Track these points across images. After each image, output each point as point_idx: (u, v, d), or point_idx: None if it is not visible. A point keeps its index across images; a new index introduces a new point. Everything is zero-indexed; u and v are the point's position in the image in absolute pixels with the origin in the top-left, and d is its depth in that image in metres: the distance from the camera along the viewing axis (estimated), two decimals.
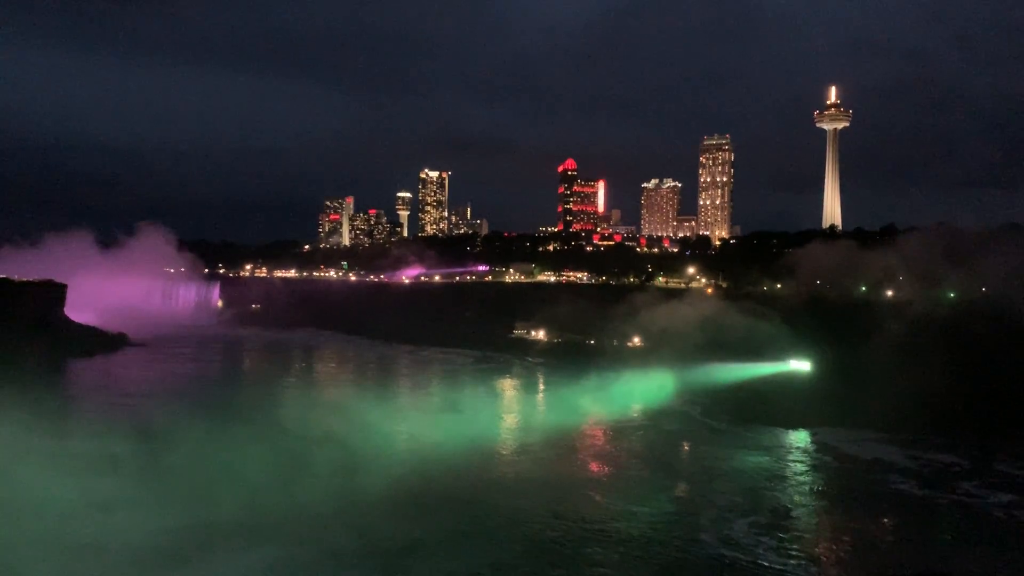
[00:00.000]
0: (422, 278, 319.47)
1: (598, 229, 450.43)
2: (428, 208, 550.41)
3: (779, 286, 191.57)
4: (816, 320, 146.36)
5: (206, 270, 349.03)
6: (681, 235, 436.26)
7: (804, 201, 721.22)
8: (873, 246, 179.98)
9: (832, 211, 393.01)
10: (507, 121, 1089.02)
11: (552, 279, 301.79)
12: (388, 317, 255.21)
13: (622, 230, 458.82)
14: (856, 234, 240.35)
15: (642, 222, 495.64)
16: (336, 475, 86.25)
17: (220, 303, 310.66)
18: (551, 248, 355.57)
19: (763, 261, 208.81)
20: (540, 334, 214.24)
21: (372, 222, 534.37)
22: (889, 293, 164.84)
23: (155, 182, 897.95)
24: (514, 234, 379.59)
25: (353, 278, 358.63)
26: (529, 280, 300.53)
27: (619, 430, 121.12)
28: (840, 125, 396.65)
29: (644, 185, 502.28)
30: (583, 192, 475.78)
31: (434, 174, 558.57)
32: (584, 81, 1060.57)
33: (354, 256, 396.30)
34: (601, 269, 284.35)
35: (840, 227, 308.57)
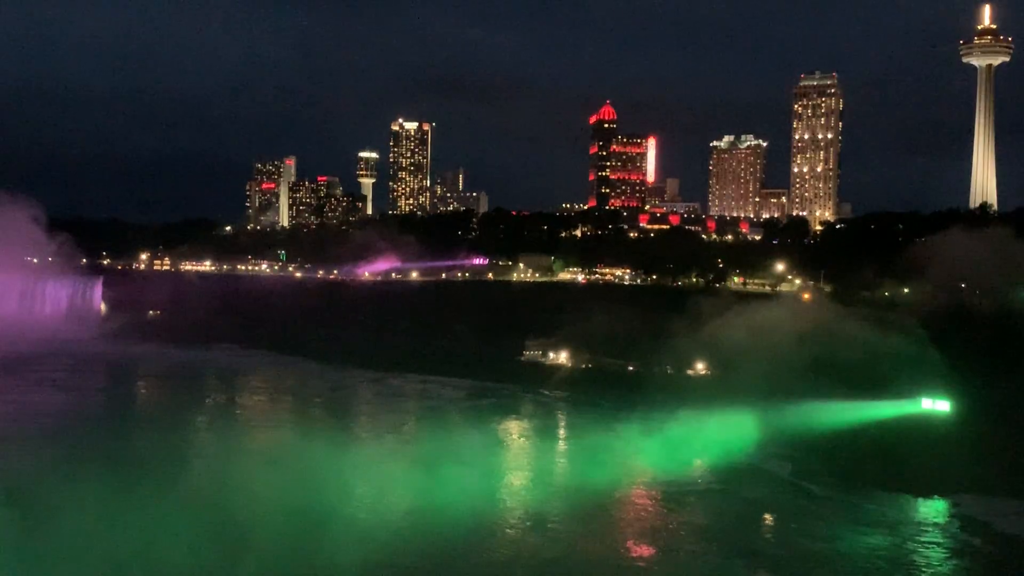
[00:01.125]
0: (394, 275, 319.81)
1: (647, 207, 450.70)
2: (403, 175, 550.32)
3: (906, 290, 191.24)
4: (960, 339, 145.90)
5: (84, 260, 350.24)
6: (766, 216, 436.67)
7: (943, 170, 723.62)
8: None
9: (984, 184, 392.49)
10: (516, 52, 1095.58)
11: (580, 277, 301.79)
12: (345, 331, 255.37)
13: (681, 208, 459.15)
14: (1019, 217, 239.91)
15: (710, 197, 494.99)
16: (270, 559, 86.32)
17: (104, 308, 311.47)
18: (579, 233, 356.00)
19: (884, 254, 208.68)
20: (562, 357, 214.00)
21: (322, 194, 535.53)
22: None
23: (14, 136, 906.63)
24: (526, 213, 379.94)
25: (295, 273, 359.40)
26: (547, 279, 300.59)
27: (674, 496, 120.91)
28: (997, 60, 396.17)
29: (714, 144, 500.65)
30: (626, 153, 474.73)
31: (411, 126, 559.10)
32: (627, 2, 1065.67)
33: (296, 242, 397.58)
34: (650, 264, 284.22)
35: (996, 207, 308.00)
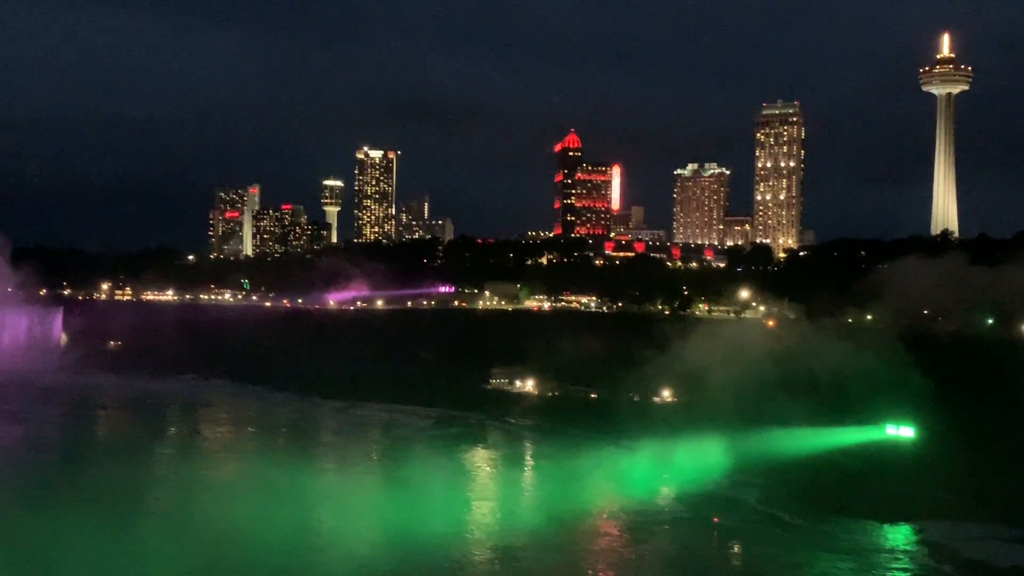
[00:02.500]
0: (358, 303, 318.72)
1: (612, 235, 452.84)
2: (368, 203, 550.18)
3: (869, 316, 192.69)
4: (923, 365, 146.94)
5: (44, 290, 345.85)
6: (730, 243, 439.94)
7: (905, 197, 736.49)
8: (1004, 260, 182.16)
9: (945, 211, 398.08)
10: (481, 78, 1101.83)
11: (546, 305, 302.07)
12: (309, 360, 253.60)
13: (646, 236, 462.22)
14: (979, 243, 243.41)
15: (675, 225, 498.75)
16: None
17: (64, 338, 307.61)
18: (545, 261, 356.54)
19: (847, 281, 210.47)
20: (528, 384, 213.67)
21: (287, 222, 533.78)
22: None
23: None
24: (492, 241, 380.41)
25: (259, 302, 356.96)
26: (513, 307, 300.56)
27: (642, 525, 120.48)
28: (956, 89, 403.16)
29: (678, 172, 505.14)
30: (591, 181, 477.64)
31: (376, 154, 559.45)
32: (591, 22, 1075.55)
33: (260, 271, 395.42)
34: (616, 291, 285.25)
35: (956, 233, 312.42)
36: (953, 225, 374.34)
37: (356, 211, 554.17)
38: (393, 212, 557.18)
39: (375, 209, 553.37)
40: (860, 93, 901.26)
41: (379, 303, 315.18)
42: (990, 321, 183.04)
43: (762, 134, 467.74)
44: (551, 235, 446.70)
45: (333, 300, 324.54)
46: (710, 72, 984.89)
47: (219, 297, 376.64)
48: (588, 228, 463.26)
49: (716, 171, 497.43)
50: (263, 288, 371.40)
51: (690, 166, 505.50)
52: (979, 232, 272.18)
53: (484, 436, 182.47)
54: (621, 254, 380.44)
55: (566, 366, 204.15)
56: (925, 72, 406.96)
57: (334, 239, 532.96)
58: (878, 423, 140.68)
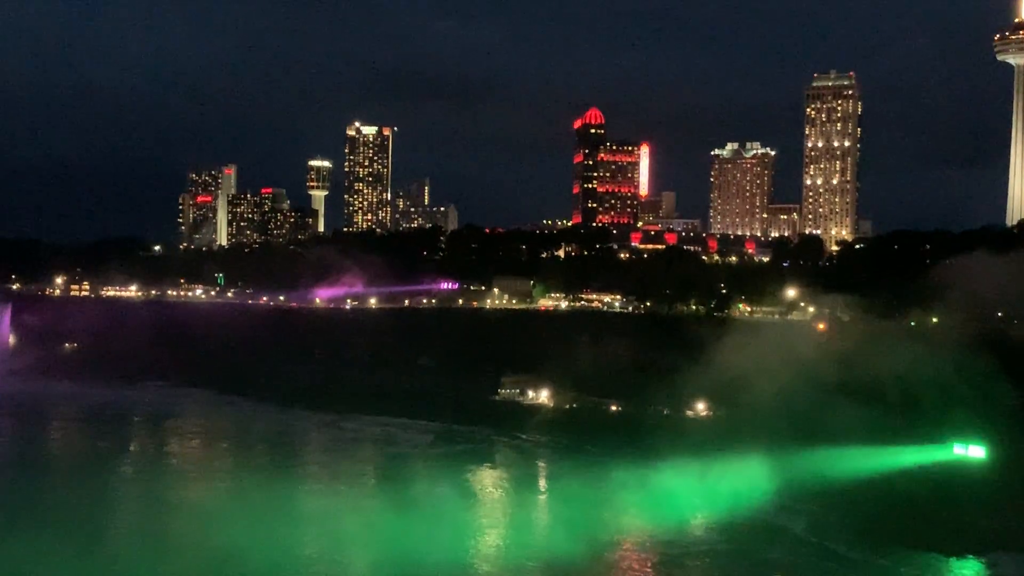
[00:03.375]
0: (349, 301, 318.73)
1: (640, 224, 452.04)
2: (360, 186, 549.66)
3: (935, 319, 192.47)
4: (996, 376, 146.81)
5: None
6: (775, 235, 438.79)
7: (977, 182, 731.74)
8: None
9: (1022, 198, 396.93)
10: (493, 48, 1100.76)
11: (563, 304, 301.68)
12: (293, 366, 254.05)
13: (678, 225, 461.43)
14: None
15: (711, 213, 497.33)
16: None
17: (12, 339, 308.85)
18: (562, 254, 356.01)
19: (909, 278, 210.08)
20: (542, 395, 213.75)
21: (267, 208, 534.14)
22: None
23: None
24: (501, 231, 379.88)
25: (235, 299, 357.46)
26: (526, 306, 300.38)
27: (674, 559, 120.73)
28: None
29: (715, 153, 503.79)
30: (615, 162, 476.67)
31: (370, 131, 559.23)
32: None
33: (237, 264, 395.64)
34: (644, 289, 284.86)
35: None
36: None
37: (346, 196, 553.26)
38: (389, 197, 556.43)
39: (368, 194, 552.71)
40: (925, 63, 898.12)
41: (373, 301, 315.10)
42: None
43: (812, 109, 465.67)
44: (569, 224, 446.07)
45: (320, 297, 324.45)
46: (753, 41, 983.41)
47: (190, 293, 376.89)
48: (612, 216, 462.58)
49: (759, 152, 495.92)
50: (240, 283, 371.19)
51: (729, 146, 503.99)
52: None
53: (492, 454, 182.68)
54: (650, 246, 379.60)
55: (586, 375, 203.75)
56: (1000, 39, 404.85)
57: (321, 228, 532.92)
58: (944, 441, 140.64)
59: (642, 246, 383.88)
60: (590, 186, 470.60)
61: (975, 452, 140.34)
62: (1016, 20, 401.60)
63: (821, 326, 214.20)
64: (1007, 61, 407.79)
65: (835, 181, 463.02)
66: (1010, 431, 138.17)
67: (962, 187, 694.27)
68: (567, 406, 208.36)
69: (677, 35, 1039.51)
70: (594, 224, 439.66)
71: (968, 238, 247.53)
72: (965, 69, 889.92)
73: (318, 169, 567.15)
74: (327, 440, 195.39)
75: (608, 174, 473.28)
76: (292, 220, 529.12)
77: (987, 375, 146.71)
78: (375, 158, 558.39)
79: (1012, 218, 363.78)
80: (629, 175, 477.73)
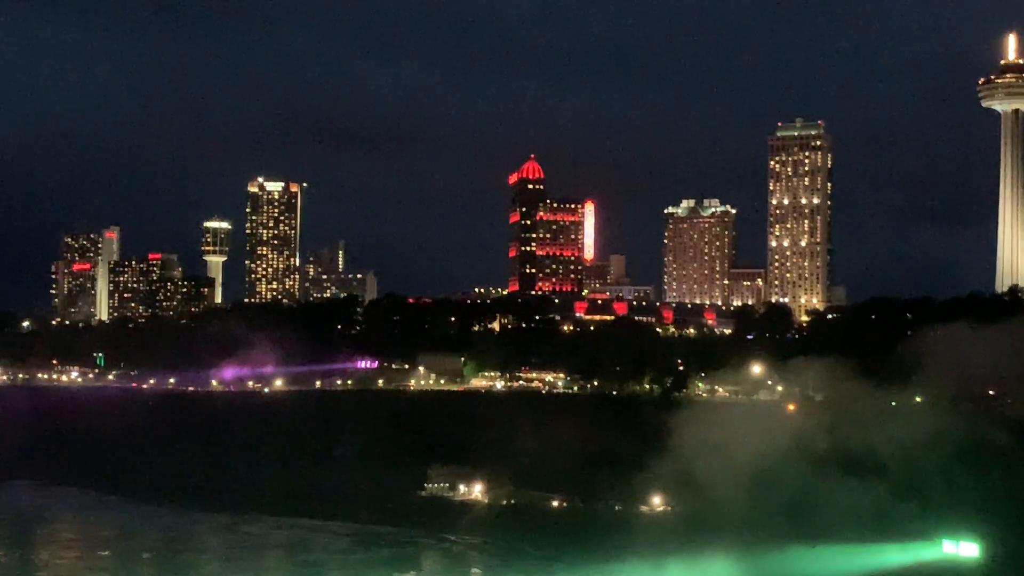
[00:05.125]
0: (252, 383, 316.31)
1: (585, 292, 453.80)
2: (264, 251, 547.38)
3: (919, 399, 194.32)
4: (990, 463, 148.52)
5: None
6: (738, 303, 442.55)
7: (962, 243, 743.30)
8: None
9: (1013, 260, 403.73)
10: (420, 92, 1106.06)
11: (499, 384, 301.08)
12: (186, 459, 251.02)
13: (629, 293, 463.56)
14: None
15: (666, 279, 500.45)
16: None
17: None
18: (497, 326, 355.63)
19: (889, 352, 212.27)
20: (476, 490, 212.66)
21: (155, 276, 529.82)
22: None
23: None
24: (427, 300, 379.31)
25: (118, 382, 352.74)
26: (457, 386, 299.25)
27: None
28: None
29: (669, 211, 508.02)
30: (556, 222, 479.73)
31: (275, 187, 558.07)
32: (558, 25, 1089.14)
33: (120, 341, 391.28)
34: (591, 366, 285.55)
35: None
36: None
37: (248, 262, 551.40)
38: (297, 263, 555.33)
39: (273, 259, 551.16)
40: (902, 111, 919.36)
41: (280, 383, 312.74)
42: None
43: (777, 162, 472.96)
44: (505, 293, 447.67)
45: (218, 379, 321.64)
46: (712, 86, 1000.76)
47: (64, 376, 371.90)
48: (553, 283, 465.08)
49: (719, 210, 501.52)
50: (124, 364, 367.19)
51: (685, 203, 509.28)
52: None
53: (419, 559, 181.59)
54: (597, 317, 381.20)
55: (526, 466, 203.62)
56: (985, 83, 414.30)
57: (219, 298, 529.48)
58: (933, 538, 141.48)
59: (588, 317, 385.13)
60: (528, 249, 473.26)
61: (968, 550, 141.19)
62: (1003, 62, 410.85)
63: (791, 407, 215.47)
64: (993, 108, 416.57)
65: (804, 243, 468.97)
66: (1008, 524, 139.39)
67: (946, 249, 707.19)
68: (504, 502, 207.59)
69: (626, 79, 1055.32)
70: (533, 292, 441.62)
71: (954, 306, 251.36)
72: (947, 117, 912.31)
73: (215, 231, 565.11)
74: (226, 547, 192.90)
75: (549, 235, 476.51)
76: (185, 290, 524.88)
77: (979, 461, 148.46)
78: (281, 218, 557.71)
79: (1002, 283, 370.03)
80: (572, 236, 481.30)
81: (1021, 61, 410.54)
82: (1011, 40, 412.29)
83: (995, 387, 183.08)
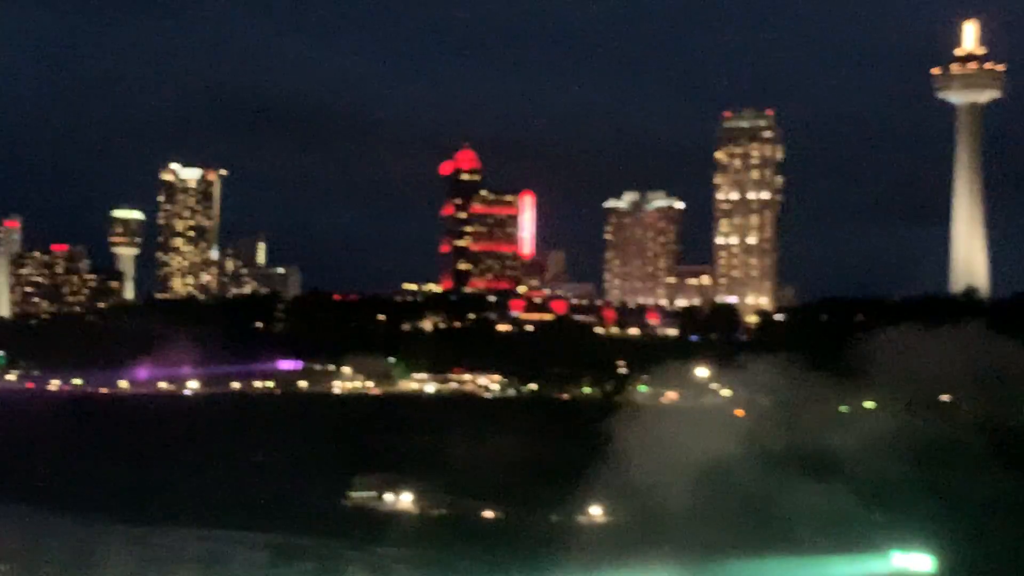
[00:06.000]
0: (164, 384, 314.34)
1: (522, 289, 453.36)
2: (178, 243, 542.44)
3: (870, 404, 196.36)
4: (945, 472, 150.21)
5: None
6: (683, 303, 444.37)
7: (917, 241, 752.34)
8: None
9: (969, 260, 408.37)
10: (350, 75, 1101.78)
11: (431, 387, 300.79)
12: (93, 465, 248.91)
13: (569, 291, 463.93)
14: (1016, 304, 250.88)
15: (608, 276, 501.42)
16: None
17: None
18: (429, 326, 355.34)
19: (840, 355, 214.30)
20: (404, 499, 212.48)
21: (60, 269, 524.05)
22: None
23: None
24: (354, 297, 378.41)
25: (19, 383, 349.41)
26: (385, 389, 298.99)
27: None
28: (984, 96, 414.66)
29: (611, 205, 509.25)
30: (493, 216, 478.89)
31: (192, 175, 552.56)
32: (496, 7, 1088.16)
33: (22, 338, 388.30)
34: (528, 368, 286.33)
35: (988, 291, 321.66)
36: (981, 279, 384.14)
37: (161, 254, 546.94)
38: (215, 256, 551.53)
39: (189, 252, 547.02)
40: (855, 102, 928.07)
41: (195, 384, 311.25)
42: None
43: (725, 154, 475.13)
44: (437, 290, 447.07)
45: (128, 380, 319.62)
46: (658, 72, 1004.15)
47: None
48: (489, 281, 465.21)
49: (663, 204, 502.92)
50: (26, 363, 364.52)
51: (628, 196, 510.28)
52: (1017, 290, 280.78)
53: (342, 573, 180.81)
54: (534, 316, 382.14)
55: (458, 474, 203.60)
56: (941, 74, 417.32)
57: (130, 293, 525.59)
58: (883, 550, 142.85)
59: (525, 316, 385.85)
60: (462, 244, 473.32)
61: (920, 563, 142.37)
62: (959, 52, 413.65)
63: (739, 412, 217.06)
64: (948, 99, 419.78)
65: (752, 239, 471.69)
66: (961, 537, 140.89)
67: (901, 247, 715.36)
68: (435, 512, 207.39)
69: (569, 65, 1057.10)
70: (467, 290, 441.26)
71: (908, 307, 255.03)
72: (902, 108, 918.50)
73: (126, 222, 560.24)
74: (137, 560, 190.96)
75: (484, 229, 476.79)
76: (92, 284, 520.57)
77: (934, 469, 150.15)
78: (198, 208, 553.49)
79: (957, 283, 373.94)
80: (509, 231, 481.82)
81: (979, 51, 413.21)
82: (969, 28, 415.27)
83: (950, 392, 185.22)
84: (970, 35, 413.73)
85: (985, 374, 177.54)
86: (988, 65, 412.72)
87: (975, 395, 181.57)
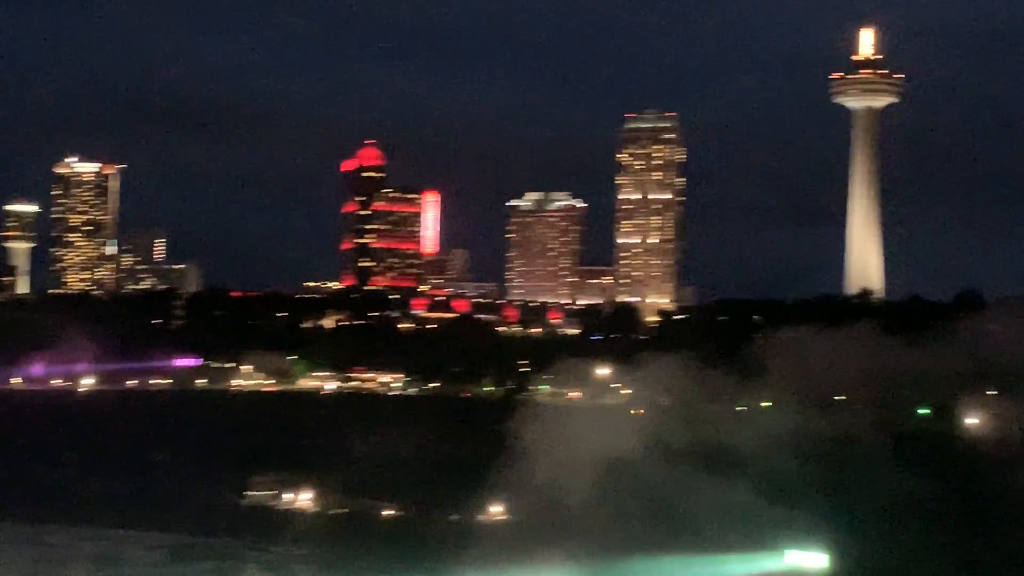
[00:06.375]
0: (59, 381, 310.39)
1: (425, 287, 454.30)
2: (74, 238, 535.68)
3: (767, 403, 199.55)
4: (838, 470, 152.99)
5: None
6: (585, 302, 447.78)
7: (814, 243, 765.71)
8: (942, 330, 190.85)
9: (864, 262, 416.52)
10: (246, 67, 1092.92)
11: (331, 385, 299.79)
12: None
13: (471, 290, 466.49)
14: (909, 307, 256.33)
15: (510, 275, 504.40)
16: None
17: None
18: (330, 323, 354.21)
19: (738, 354, 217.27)
20: (303, 498, 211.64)
21: None
22: (973, 421, 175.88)
23: None
24: (254, 294, 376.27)
25: None
26: (284, 387, 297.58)
27: None
28: (881, 101, 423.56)
29: (514, 204, 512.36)
30: (395, 213, 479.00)
31: (87, 169, 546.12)
32: (400, 3, 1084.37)
33: None
34: (430, 366, 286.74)
35: (882, 293, 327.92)
36: (875, 281, 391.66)
37: (56, 249, 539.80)
38: (112, 252, 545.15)
39: (84, 247, 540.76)
40: (756, 105, 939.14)
41: (90, 381, 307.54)
42: (925, 411, 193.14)
43: (627, 154, 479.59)
44: (339, 287, 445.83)
45: (20, 377, 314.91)
46: (563, 72, 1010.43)
47: None
48: (391, 279, 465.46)
49: (566, 203, 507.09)
50: None
51: (531, 196, 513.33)
52: (911, 292, 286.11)
53: (239, 573, 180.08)
54: (437, 315, 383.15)
55: (358, 472, 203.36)
56: (839, 79, 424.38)
57: (22, 288, 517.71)
58: (777, 548, 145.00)
59: (427, 315, 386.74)
60: (364, 241, 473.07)
61: (814, 560, 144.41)
62: (856, 58, 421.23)
63: (638, 411, 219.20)
64: (845, 104, 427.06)
65: (654, 240, 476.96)
66: (854, 535, 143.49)
67: (799, 249, 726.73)
68: (334, 511, 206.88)
69: (474, 64, 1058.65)
70: (369, 287, 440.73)
71: (804, 308, 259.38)
72: (803, 113, 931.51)
73: (18, 215, 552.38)
74: (26, 560, 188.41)
75: (387, 227, 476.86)
76: None
77: (826, 469, 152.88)
78: (94, 203, 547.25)
79: (852, 285, 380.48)
80: (412, 228, 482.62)
81: (876, 56, 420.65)
82: (866, 35, 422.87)
83: (844, 392, 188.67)
84: (867, 42, 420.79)
85: (877, 375, 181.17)
86: (885, 71, 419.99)
87: (868, 395, 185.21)
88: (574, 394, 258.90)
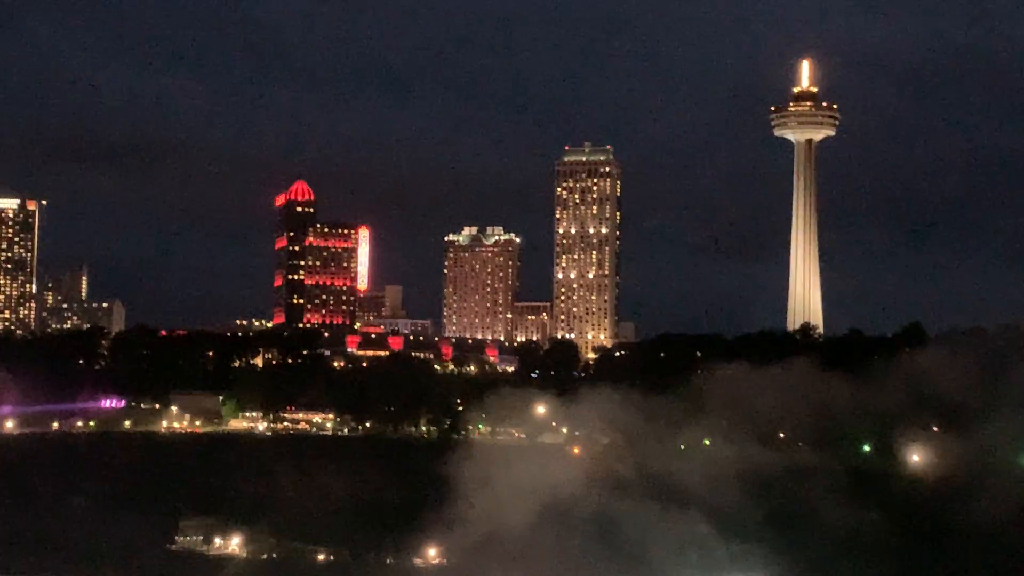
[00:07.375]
0: None
1: (358, 325, 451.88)
2: None
3: (707, 442, 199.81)
4: (777, 510, 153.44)
5: None
6: (522, 339, 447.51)
7: (755, 278, 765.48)
8: (884, 365, 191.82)
9: (805, 297, 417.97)
10: (172, 100, 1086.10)
11: (262, 426, 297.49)
12: None
13: (405, 327, 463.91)
14: (850, 341, 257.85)
15: (446, 312, 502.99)
16: None
17: None
18: (260, 362, 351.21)
19: (677, 390, 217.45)
20: (233, 543, 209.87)
21: None
22: (915, 457, 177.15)
23: None
24: (181, 332, 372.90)
25: None
26: (213, 428, 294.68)
27: None
28: (820, 134, 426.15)
29: (450, 239, 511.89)
30: (328, 249, 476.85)
31: (9, 204, 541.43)
32: (326, 37, 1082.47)
33: None
34: (363, 406, 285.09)
35: (820, 328, 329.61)
36: (816, 316, 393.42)
37: None
38: (33, 290, 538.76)
39: (5, 285, 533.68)
40: (694, 138, 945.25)
41: (10, 424, 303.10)
42: (866, 449, 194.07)
43: (564, 189, 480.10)
44: (269, 325, 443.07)
45: None
46: (500, 108, 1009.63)
47: None
48: (324, 316, 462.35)
49: (502, 238, 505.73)
50: None
51: (467, 231, 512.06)
52: (850, 326, 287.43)
53: None
54: (370, 353, 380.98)
55: (290, 516, 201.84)
56: (778, 111, 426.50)
57: None
58: None
59: (361, 352, 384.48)
60: (296, 277, 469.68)
61: None
62: (796, 90, 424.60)
63: (576, 450, 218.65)
64: (786, 136, 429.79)
65: (591, 275, 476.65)
66: (795, 568, 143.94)
67: (739, 283, 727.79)
68: (265, 555, 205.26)
69: (406, 97, 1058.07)
70: (301, 325, 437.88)
71: (745, 343, 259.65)
72: (740, 146, 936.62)
73: None
74: None
75: (319, 263, 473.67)
76: None
77: (767, 510, 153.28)
78: (15, 239, 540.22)
79: (794, 319, 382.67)
80: (345, 264, 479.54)
81: (813, 89, 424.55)
82: (804, 67, 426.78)
83: (784, 427, 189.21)
84: (806, 74, 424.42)
85: (818, 411, 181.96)
86: (823, 104, 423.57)
87: (808, 431, 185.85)
88: (512, 433, 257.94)
